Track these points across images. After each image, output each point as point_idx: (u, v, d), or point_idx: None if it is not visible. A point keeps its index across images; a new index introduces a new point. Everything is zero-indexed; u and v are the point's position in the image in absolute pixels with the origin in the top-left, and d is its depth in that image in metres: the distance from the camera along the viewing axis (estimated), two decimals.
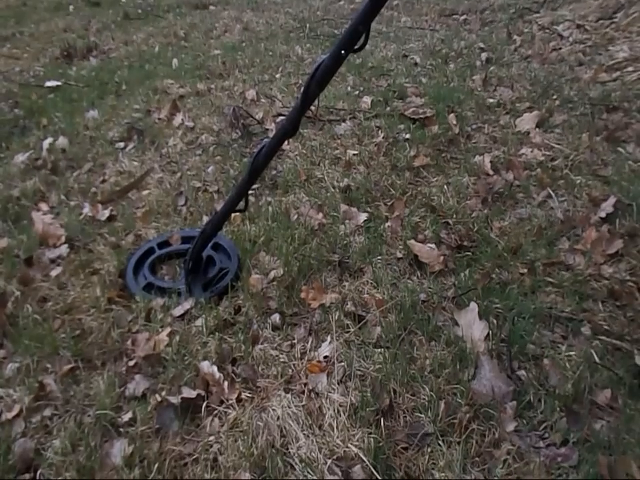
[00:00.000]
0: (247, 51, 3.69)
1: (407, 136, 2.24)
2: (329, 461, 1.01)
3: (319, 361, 1.24)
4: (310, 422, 1.10)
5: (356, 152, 2.15)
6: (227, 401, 1.16)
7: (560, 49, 3.07)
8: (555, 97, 2.47)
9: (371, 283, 1.47)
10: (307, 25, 4.16)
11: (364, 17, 1.05)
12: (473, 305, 1.32)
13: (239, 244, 1.64)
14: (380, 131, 2.31)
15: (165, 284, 1.52)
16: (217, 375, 1.20)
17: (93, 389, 1.19)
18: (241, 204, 1.41)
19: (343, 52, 1.09)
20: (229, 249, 1.61)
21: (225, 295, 1.46)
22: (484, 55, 3.09)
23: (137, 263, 1.57)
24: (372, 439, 1.03)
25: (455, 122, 2.29)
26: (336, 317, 1.35)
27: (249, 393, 1.18)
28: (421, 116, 2.37)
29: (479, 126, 2.31)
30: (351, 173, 2.02)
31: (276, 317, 1.37)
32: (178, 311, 1.40)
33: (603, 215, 1.62)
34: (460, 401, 1.11)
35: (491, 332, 1.26)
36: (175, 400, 1.15)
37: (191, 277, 1.50)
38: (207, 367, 1.22)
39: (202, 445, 1.08)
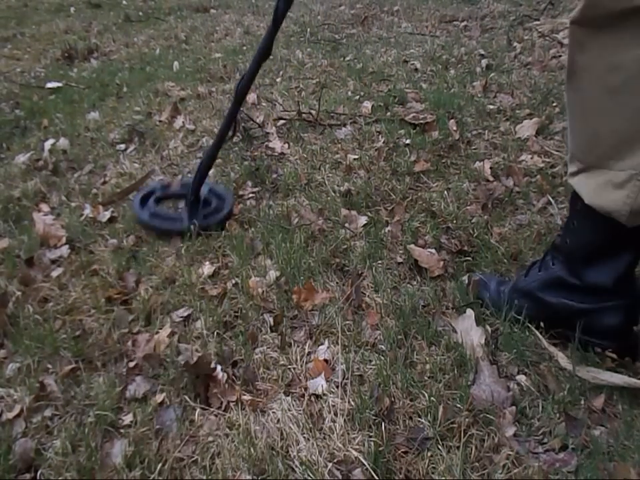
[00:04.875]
0: (248, 55, 3.70)
1: (408, 141, 2.25)
2: (330, 464, 1.01)
3: (319, 361, 1.24)
4: (310, 425, 1.10)
5: (356, 156, 2.16)
6: (227, 403, 1.16)
7: (560, 56, 3.09)
8: (554, 104, 2.48)
9: (371, 287, 1.48)
10: (308, 30, 4.17)
11: None
12: (470, 312, 1.33)
13: (239, 246, 1.64)
14: (380, 136, 2.32)
15: (169, 213, 1.84)
16: (217, 377, 1.20)
17: (94, 389, 1.20)
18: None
19: None
20: (223, 193, 1.89)
21: (222, 227, 1.75)
22: (484, 62, 3.11)
23: (141, 200, 1.86)
24: (372, 443, 1.03)
25: (455, 128, 2.31)
26: (336, 321, 1.35)
27: (249, 396, 1.18)
28: (422, 121, 2.38)
29: (479, 132, 2.32)
30: (351, 177, 2.03)
31: (276, 320, 1.37)
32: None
33: None
34: (459, 406, 1.11)
35: (489, 338, 1.27)
36: (175, 401, 1.15)
37: (192, 209, 1.76)
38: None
39: (202, 446, 1.08)
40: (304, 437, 1.07)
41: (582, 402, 1.11)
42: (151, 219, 1.77)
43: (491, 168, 2.00)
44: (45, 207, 1.95)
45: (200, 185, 1.76)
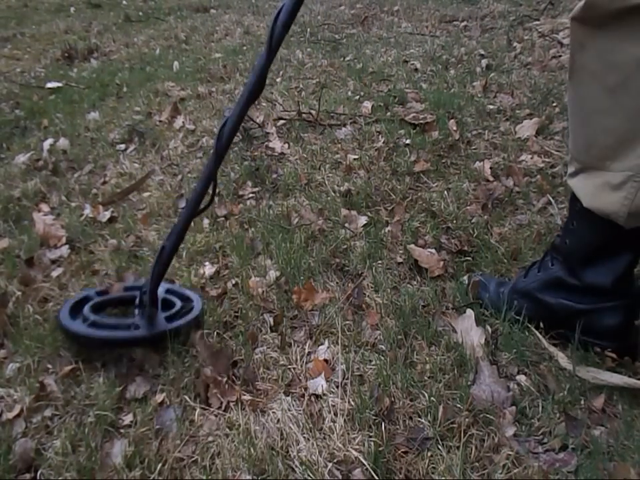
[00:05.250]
0: (248, 55, 3.70)
1: (408, 141, 2.25)
2: (330, 464, 1.01)
3: (319, 361, 1.24)
4: (310, 425, 1.10)
5: (356, 156, 2.16)
6: (227, 403, 1.16)
7: (560, 56, 3.09)
8: (554, 104, 2.48)
9: (371, 287, 1.48)
10: (308, 30, 4.17)
11: None
12: (470, 312, 1.33)
13: (239, 246, 1.64)
14: (380, 136, 2.32)
15: (115, 321, 1.35)
16: (217, 377, 1.20)
17: (94, 389, 1.19)
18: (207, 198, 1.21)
19: None
20: (185, 292, 1.45)
21: (196, 329, 1.33)
22: (484, 62, 3.11)
23: (72, 308, 1.35)
24: (372, 443, 1.03)
25: (455, 128, 2.31)
26: (336, 321, 1.36)
27: (249, 396, 1.18)
28: (422, 121, 2.38)
29: (479, 132, 2.32)
30: (351, 178, 2.03)
31: (276, 320, 1.37)
32: None
33: None
34: (459, 406, 1.11)
35: (489, 338, 1.27)
36: (175, 401, 1.16)
37: (150, 311, 1.31)
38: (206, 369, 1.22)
39: (202, 446, 1.08)
40: (304, 437, 1.07)
41: (582, 402, 1.11)
42: (88, 328, 1.27)
43: (491, 168, 2.00)
44: (45, 207, 1.95)
45: (159, 280, 1.30)
